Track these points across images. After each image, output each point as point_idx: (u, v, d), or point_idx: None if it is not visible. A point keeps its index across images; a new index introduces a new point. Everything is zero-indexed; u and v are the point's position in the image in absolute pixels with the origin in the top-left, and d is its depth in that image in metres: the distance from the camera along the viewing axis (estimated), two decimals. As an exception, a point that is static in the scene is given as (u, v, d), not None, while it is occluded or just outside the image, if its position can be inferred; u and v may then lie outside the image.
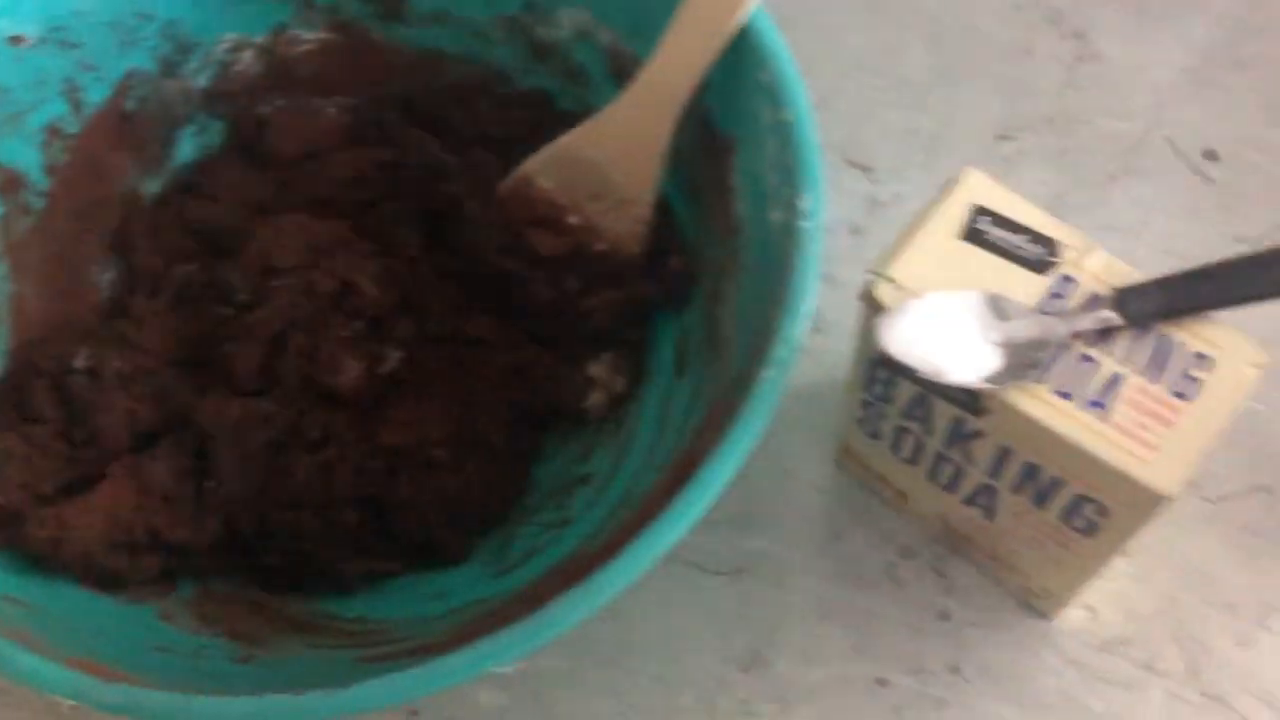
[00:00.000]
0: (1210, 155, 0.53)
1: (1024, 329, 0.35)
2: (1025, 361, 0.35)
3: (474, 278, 0.47)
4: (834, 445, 0.47)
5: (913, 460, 0.42)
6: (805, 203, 0.37)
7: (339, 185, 0.48)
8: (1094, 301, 0.35)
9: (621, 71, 0.47)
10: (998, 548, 0.43)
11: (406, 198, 0.48)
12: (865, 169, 0.54)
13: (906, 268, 0.36)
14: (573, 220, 0.46)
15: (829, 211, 0.48)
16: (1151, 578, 0.45)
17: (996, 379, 0.35)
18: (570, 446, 0.47)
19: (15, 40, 0.43)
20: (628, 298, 0.46)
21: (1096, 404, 0.34)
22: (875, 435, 0.42)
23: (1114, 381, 0.34)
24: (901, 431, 0.41)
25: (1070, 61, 0.56)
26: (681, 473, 0.39)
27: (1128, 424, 0.34)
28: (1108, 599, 0.45)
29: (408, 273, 0.47)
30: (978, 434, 0.37)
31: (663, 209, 0.46)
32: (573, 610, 0.33)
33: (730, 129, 0.43)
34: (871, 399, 0.40)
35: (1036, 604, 0.44)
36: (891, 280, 0.36)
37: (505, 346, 0.47)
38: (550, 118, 0.49)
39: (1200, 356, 0.35)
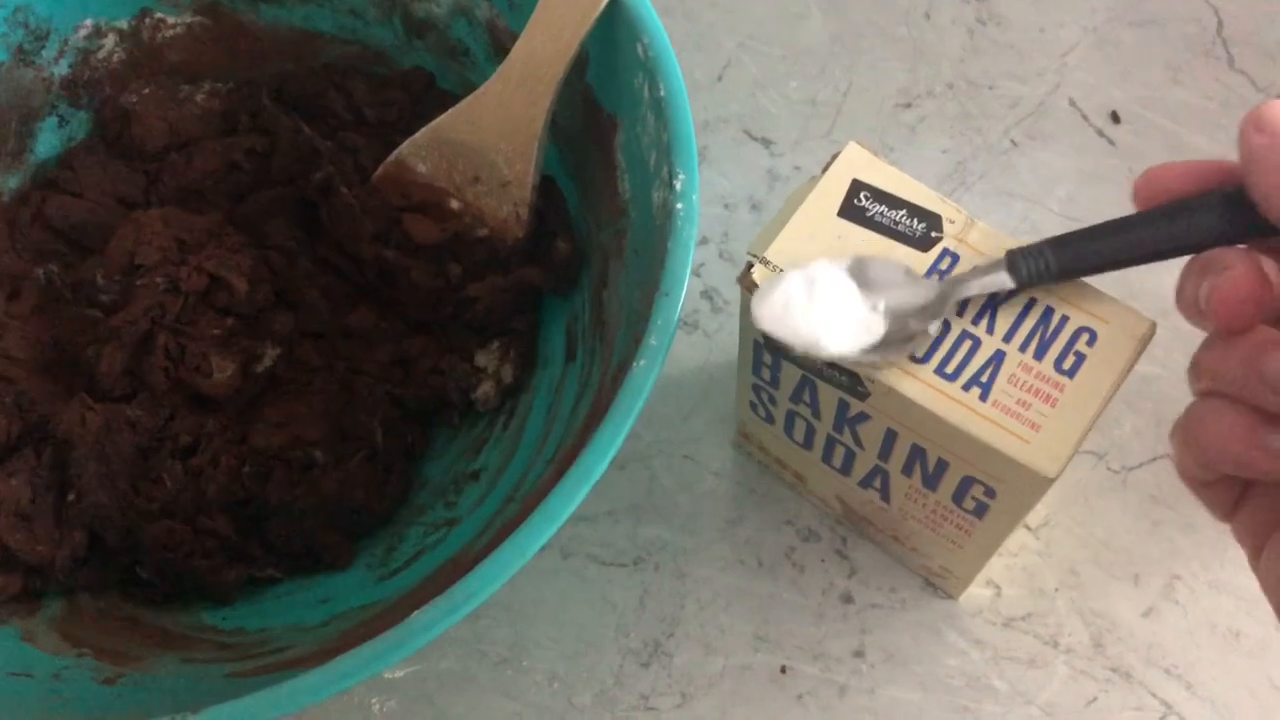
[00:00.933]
0: (1113, 118, 0.52)
1: (908, 295, 0.33)
2: (908, 332, 0.33)
3: (352, 269, 0.45)
4: (732, 428, 0.46)
5: (805, 444, 0.40)
6: (680, 182, 0.36)
7: (209, 176, 0.46)
8: (987, 267, 0.34)
9: (501, 48, 0.45)
10: (897, 530, 0.42)
11: (280, 186, 0.46)
12: (765, 142, 0.52)
13: (783, 248, 0.35)
14: (453, 205, 0.44)
15: (729, 186, 0.46)
16: (1056, 552, 0.44)
17: (879, 351, 0.33)
18: (459, 442, 0.45)
19: None
20: (513, 284, 0.44)
21: (978, 383, 0.33)
22: (768, 419, 0.41)
23: (996, 359, 0.33)
24: (792, 415, 0.39)
25: (971, 24, 0.54)
26: (564, 467, 0.38)
27: (1009, 403, 0.33)
28: (1012, 575, 0.44)
29: (284, 265, 0.45)
30: (863, 416, 0.36)
31: (550, 191, 0.44)
32: (437, 618, 0.31)
33: (613, 107, 0.41)
34: (760, 383, 0.39)
35: (940, 584, 0.44)
36: (767, 262, 0.34)
37: (387, 339, 0.45)
38: (430, 98, 0.48)
39: (1085, 330, 0.33)
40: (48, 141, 0.48)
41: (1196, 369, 0.28)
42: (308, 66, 0.48)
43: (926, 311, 0.33)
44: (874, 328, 0.33)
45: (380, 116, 0.47)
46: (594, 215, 0.44)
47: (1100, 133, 0.52)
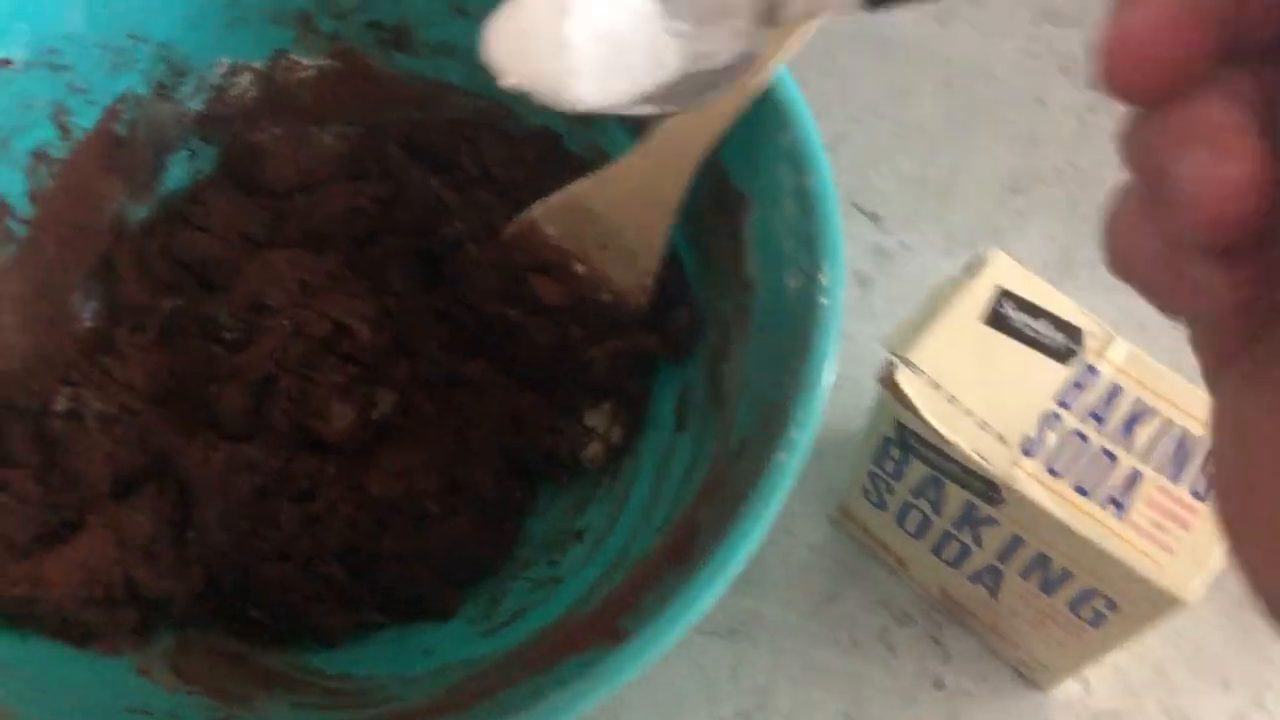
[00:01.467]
0: (1220, 216, 0.53)
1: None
2: (716, 63, 0.24)
3: (472, 322, 0.46)
4: (831, 502, 0.46)
5: (916, 534, 0.41)
6: (825, 277, 0.36)
7: (334, 219, 0.47)
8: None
9: (633, 116, 0.46)
10: (999, 623, 0.42)
11: (404, 235, 0.47)
12: (873, 217, 0.53)
13: (927, 352, 0.35)
14: (578, 269, 0.45)
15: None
16: (1146, 652, 0.45)
17: (668, 97, 0.24)
18: (564, 499, 0.46)
19: (2, 64, 0.41)
20: (631, 349, 0.45)
21: (1115, 502, 0.33)
22: (880, 506, 0.41)
23: (1134, 479, 0.34)
24: (909, 507, 0.40)
25: (1083, 111, 0.55)
26: (679, 538, 0.38)
27: (1146, 524, 0.33)
28: (1102, 671, 0.44)
29: (403, 313, 0.46)
30: (990, 520, 0.36)
31: (670, 260, 0.45)
32: (560, 705, 0.31)
33: (745, 186, 0.42)
34: (880, 473, 0.39)
35: (1031, 675, 0.44)
36: (911, 365, 0.35)
37: (501, 392, 0.46)
38: (557, 159, 0.48)
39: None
40: (177, 174, 0.48)
41: (1124, 144, 0.18)
42: (436, 117, 0.49)
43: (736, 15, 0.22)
44: (666, 58, 0.24)
45: (507, 175, 0.47)
46: (713, 285, 0.44)
47: (1206, 230, 0.52)
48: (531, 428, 0.45)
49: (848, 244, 0.52)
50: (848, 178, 0.54)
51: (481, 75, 0.48)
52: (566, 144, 0.49)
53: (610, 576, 0.41)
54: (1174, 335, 0.39)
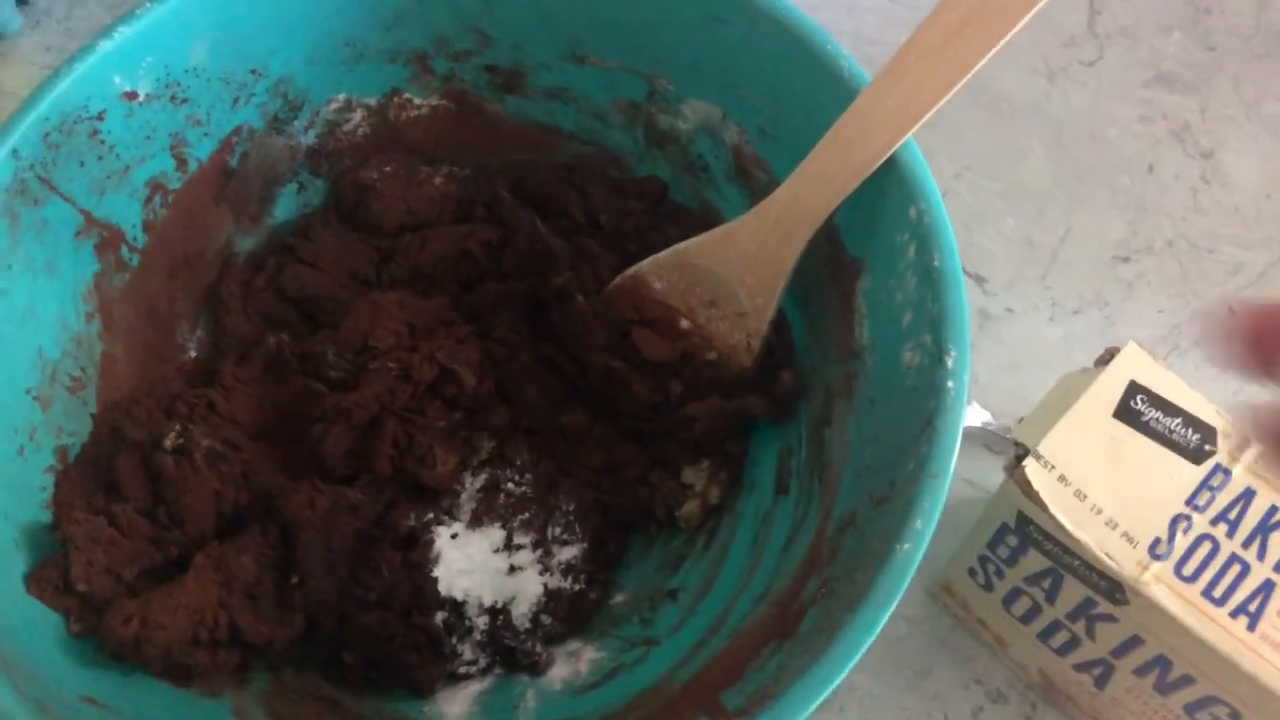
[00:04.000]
0: (1335, 296, 0.51)
1: None
2: None
3: (574, 371, 0.45)
4: (930, 574, 0.45)
5: (1023, 619, 0.40)
6: (953, 360, 0.35)
7: (441, 261, 0.47)
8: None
9: (744, 172, 0.46)
10: (1100, 713, 0.41)
11: (510, 281, 0.46)
12: (979, 279, 0.52)
13: (1056, 445, 0.34)
14: (683, 325, 0.44)
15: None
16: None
17: None
18: (656, 555, 0.45)
19: (128, 96, 0.41)
20: (733, 409, 0.44)
21: (1245, 611, 0.33)
22: (986, 587, 0.41)
23: (1265, 589, 0.33)
24: (1019, 592, 0.39)
25: (1196, 182, 0.54)
26: (784, 611, 0.38)
27: (1276, 636, 0.32)
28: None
29: (505, 358, 0.45)
30: (1109, 618, 0.35)
31: (777, 322, 0.44)
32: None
33: (860, 251, 0.41)
34: (991, 557, 0.39)
35: (1128, 764, 0.43)
36: (1040, 457, 0.34)
37: (599, 443, 0.45)
38: (665, 210, 0.48)
39: (1356, 567, 0.33)
40: (285, 206, 0.48)
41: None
42: (544, 161, 0.49)
43: None
44: None
45: (615, 224, 0.47)
46: (819, 349, 0.44)
47: (1320, 310, 0.51)
48: (628, 480, 0.45)
49: (950, 305, 0.52)
50: (952, 237, 0.53)
51: (592, 121, 0.49)
52: (673, 194, 0.48)
53: (708, 642, 0.41)
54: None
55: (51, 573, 0.38)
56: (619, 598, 0.45)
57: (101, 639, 0.38)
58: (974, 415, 0.48)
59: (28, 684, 0.34)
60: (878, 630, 0.32)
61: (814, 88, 0.41)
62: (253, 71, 0.45)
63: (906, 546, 0.33)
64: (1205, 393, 0.38)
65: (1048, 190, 0.54)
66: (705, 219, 0.47)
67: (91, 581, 0.38)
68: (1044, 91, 0.56)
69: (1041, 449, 0.34)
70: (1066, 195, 0.54)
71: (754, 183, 0.46)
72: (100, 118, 0.41)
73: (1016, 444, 0.35)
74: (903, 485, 0.35)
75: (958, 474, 0.39)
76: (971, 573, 0.41)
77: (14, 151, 0.39)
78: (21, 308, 0.40)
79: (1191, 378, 0.49)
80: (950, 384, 0.35)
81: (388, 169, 0.48)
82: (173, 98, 0.43)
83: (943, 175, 0.54)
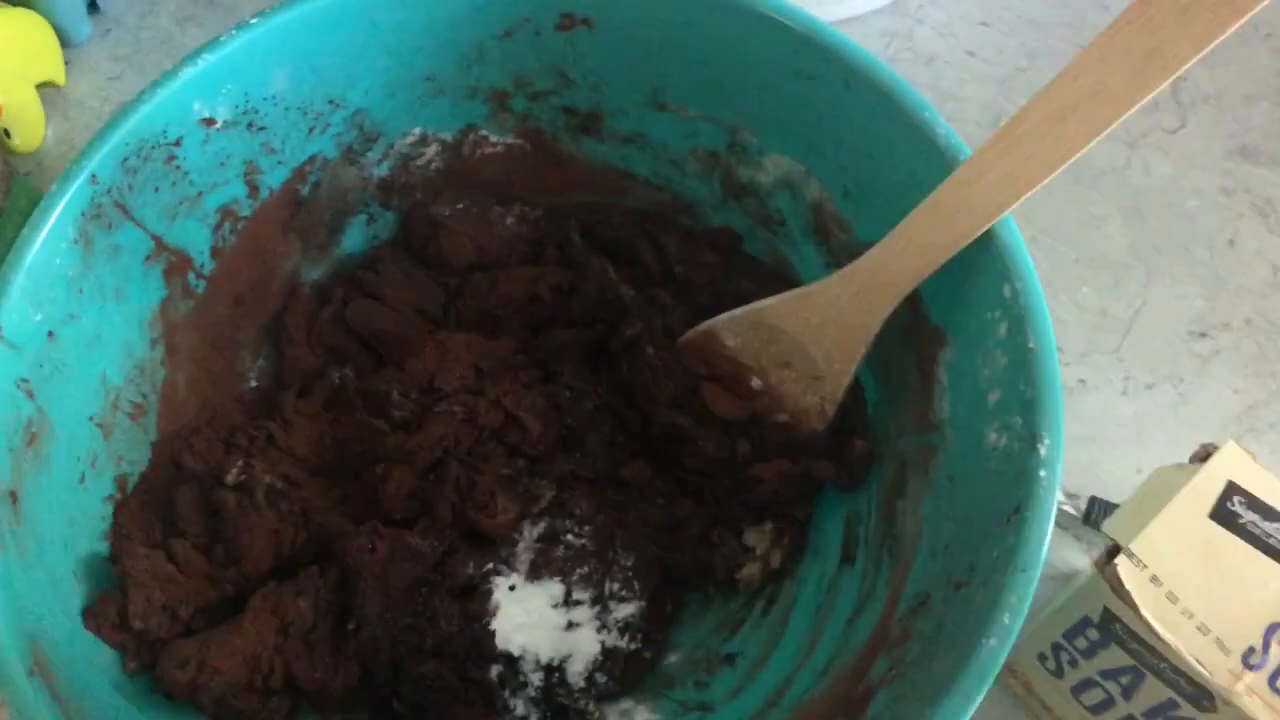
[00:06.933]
0: None
1: None
2: None
3: (638, 423, 0.45)
4: (991, 653, 0.44)
5: (1094, 710, 0.39)
6: (1046, 448, 0.34)
7: (510, 304, 0.46)
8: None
9: (823, 230, 0.45)
10: (1167, 810, 0.40)
11: (580, 327, 0.45)
12: (1049, 348, 0.51)
13: (1150, 543, 0.33)
14: (754, 384, 0.44)
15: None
16: None
17: None
18: (712, 616, 0.44)
19: (206, 123, 0.41)
20: (801, 473, 0.43)
21: (1342, 730, 0.31)
22: (1057, 673, 0.39)
23: (1365, 708, 0.32)
24: (1091, 682, 0.38)
25: (1277, 259, 0.53)
26: (850, 690, 0.37)
27: (1374, 758, 0.31)
28: None
29: (570, 406, 0.44)
30: (1192, 722, 0.34)
31: (852, 388, 0.43)
32: None
33: (943, 322, 0.40)
34: (1067, 646, 0.37)
35: None
36: (1132, 555, 0.33)
37: (660, 498, 0.44)
38: (738, 261, 0.47)
39: None
40: (354, 237, 0.48)
41: None
42: (618, 205, 0.48)
43: None
44: None
45: (688, 275, 0.46)
46: (895, 418, 0.43)
47: (1400, 398, 0.50)
48: (688, 538, 0.44)
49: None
50: (1024, 302, 0.52)
51: (667, 169, 0.48)
52: (747, 246, 0.48)
53: (767, 715, 0.40)
54: None
55: (109, 608, 0.37)
56: (672, 658, 0.44)
57: (157, 681, 0.37)
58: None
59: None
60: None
61: (907, 153, 0.40)
62: (331, 102, 0.44)
63: (993, 642, 0.32)
64: (1277, 475, 0.36)
65: (1124, 260, 0.53)
66: (778, 273, 0.47)
67: (148, 619, 0.37)
68: (1124, 158, 0.55)
69: (1134, 547, 0.33)
70: (1143, 266, 0.53)
71: (832, 241, 0.45)
72: (178, 144, 0.40)
73: (1108, 539, 0.34)
74: (985, 572, 0.34)
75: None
76: (1042, 658, 0.39)
77: (92, 176, 0.38)
78: (89, 333, 0.39)
79: (1267, 460, 0.49)
80: (1043, 473, 0.34)
81: (460, 206, 0.47)
82: (249, 125, 0.42)
83: (1017, 238, 0.53)
